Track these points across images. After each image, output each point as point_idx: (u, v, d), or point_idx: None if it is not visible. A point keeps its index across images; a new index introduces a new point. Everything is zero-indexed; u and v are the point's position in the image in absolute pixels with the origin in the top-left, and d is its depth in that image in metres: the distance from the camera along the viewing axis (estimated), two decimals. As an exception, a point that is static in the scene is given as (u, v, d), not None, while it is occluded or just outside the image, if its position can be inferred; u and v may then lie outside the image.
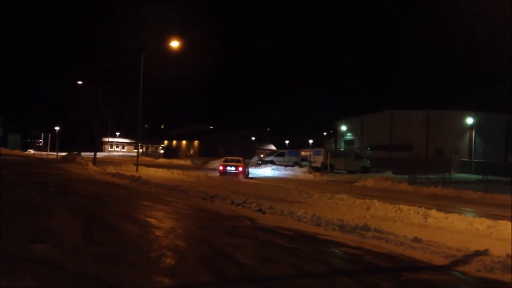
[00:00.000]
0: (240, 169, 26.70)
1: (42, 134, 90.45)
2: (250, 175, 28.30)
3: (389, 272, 6.23)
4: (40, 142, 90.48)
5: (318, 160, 37.99)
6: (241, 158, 28.60)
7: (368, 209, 12.35)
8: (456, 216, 10.82)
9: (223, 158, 31.67)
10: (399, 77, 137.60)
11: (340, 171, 35.62)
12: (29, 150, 73.47)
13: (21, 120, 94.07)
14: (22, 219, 8.51)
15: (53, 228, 7.70)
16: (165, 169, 26.91)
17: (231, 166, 27.36)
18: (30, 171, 22.29)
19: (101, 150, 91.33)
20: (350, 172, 35.71)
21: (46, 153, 57.78)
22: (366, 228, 8.87)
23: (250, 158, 56.20)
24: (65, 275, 5.06)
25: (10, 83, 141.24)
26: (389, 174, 31.23)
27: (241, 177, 25.39)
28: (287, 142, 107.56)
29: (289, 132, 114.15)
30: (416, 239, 7.97)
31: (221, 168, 27.88)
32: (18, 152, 54.36)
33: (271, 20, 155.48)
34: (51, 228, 7.71)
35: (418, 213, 11.37)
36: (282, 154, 47.14)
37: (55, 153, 51.03)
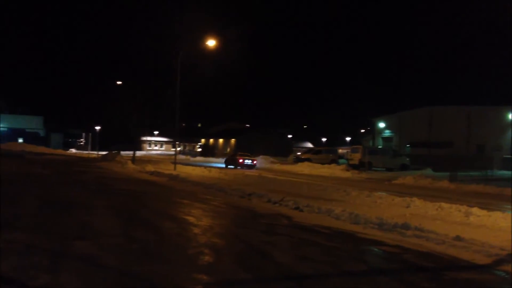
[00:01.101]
0: (255, 162, 37.19)
1: (83, 133, 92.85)
2: (284, 173, 28.78)
3: (430, 271, 6.09)
4: (81, 141, 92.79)
5: (356, 157, 37.64)
6: (249, 154, 38.87)
7: (407, 207, 12.12)
8: (499, 214, 10.50)
9: (237, 153, 39.74)
10: (438, 72, 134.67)
11: (378, 169, 35.17)
12: (70, 149, 75.37)
13: (63, 120, 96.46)
14: (64, 216, 8.71)
15: (94, 226, 7.85)
16: (202, 167, 27.16)
17: (248, 159, 36.81)
18: (71, 170, 22.84)
19: (140, 149, 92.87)
20: (388, 169, 35.21)
21: (87, 152, 59.29)
22: (406, 226, 8.70)
23: (287, 156, 56.15)
24: (104, 271, 5.13)
25: (51, 84, 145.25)
26: (428, 171, 30.65)
27: (255, 166, 35.79)
28: (324, 139, 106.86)
29: (326, 129, 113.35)
30: (458, 238, 7.77)
31: (240, 161, 36.26)
32: (60, 151, 55.85)
33: (306, 17, 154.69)
34: (91, 225, 7.87)
35: (460, 211, 11.09)
36: (319, 152, 46.91)
37: (95, 152, 52.29)
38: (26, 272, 4.86)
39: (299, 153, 59.60)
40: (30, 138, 72.70)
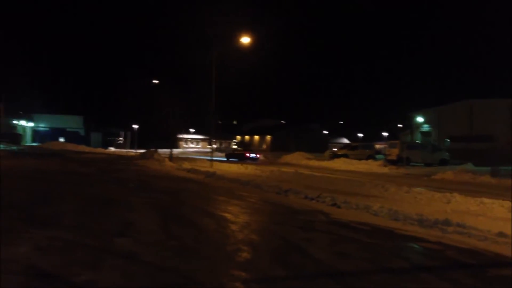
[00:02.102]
0: (258, 155, 44.84)
1: (122, 132, 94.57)
2: (321, 169, 28.68)
3: (472, 268, 5.95)
4: (120, 140, 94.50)
5: (393, 152, 37.15)
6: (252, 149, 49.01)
7: (448, 203, 11.88)
8: (544, 209, 10.17)
9: (242, 148, 48.83)
10: (476, 65, 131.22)
11: (417, 164, 34.58)
12: (110, 147, 76.82)
13: (102, 119, 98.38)
14: (105, 214, 8.87)
15: (134, 223, 7.97)
16: (239, 164, 27.25)
17: (252, 153, 44.91)
18: (111, 168, 23.26)
19: (177, 147, 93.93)
20: (427, 164, 34.57)
21: (125, 150, 60.39)
22: (447, 222, 8.53)
23: (323, 152, 55.82)
24: (145, 268, 5.20)
25: (91, 84, 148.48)
26: (469, 166, 29.92)
27: (257, 159, 42.68)
28: (360, 135, 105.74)
29: (362, 125, 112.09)
30: (501, 234, 7.58)
31: (247, 155, 43.62)
32: (100, 150, 57.00)
33: (341, 9, 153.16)
34: (131, 222, 7.99)
35: (503, 206, 10.80)
36: (355, 147, 46.47)
37: (134, 150, 53.16)
38: (69, 269, 4.97)
39: (335, 149, 59.20)
40: (71, 137, 74.50)
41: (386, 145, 48.57)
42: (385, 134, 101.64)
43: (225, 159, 42.39)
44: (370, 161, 35.42)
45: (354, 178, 20.60)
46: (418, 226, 8.60)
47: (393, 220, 9.18)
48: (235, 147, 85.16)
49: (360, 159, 36.89)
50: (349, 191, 14.12)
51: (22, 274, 4.77)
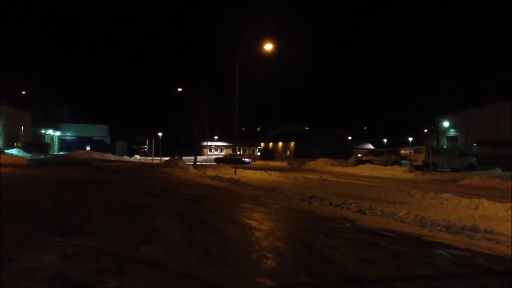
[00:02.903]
0: (250, 160, 53.97)
1: (147, 140, 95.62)
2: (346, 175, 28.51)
3: (501, 275, 5.84)
4: (145, 148, 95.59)
5: (419, 158, 36.66)
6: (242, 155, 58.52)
7: (476, 208, 11.66)
8: None
9: (235, 154, 46.44)
10: (504, 67, 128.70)
11: (443, 169, 34.04)
12: (135, 156, 77.70)
13: (127, 128, 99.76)
14: (130, 221, 8.96)
15: (158, 230, 8.03)
16: (262, 171, 27.23)
17: (246, 158, 54.15)
18: (136, 176, 23.50)
19: (201, 154, 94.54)
20: (454, 170, 34.02)
21: (150, 158, 60.89)
22: (474, 228, 8.38)
23: (347, 158, 55.44)
24: (170, 275, 5.23)
25: (115, 93, 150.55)
26: (497, 171, 29.35)
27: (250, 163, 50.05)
28: (385, 140, 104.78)
29: (387, 130, 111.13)
30: (531, 241, 7.40)
31: (244, 159, 51.64)
32: (125, 158, 57.70)
33: (364, 15, 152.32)
34: (156, 230, 8.05)
35: (533, 212, 10.55)
36: (380, 153, 45.99)
37: (158, 158, 53.59)
38: (95, 277, 5.02)
39: (359, 155, 58.71)
40: (97, 145, 75.67)
41: (411, 151, 48.02)
42: (410, 139, 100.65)
43: (283, 168, 42.24)
44: (395, 167, 34.97)
45: (379, 184, 20.39)
46: (445, 232, 8.47)
47: (419, 227, 9.06)
48: (258, 154, 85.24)
49: (385, 165, 36.47)
50: (375, 198, 13.99)
51: (48, 282, 4.84)
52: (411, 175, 28.90)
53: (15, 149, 47.72)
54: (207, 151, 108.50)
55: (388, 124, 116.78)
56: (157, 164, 41.28)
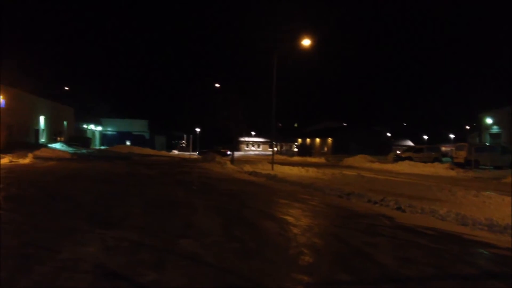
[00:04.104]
0: (230, 152, 48.09)
1: (185, 135, 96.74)
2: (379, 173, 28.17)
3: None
4: (183, 143, 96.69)
5: (461, 155, 35.84)
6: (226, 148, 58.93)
7: (520, 207, 11.31)
8: None
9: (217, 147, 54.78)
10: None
11: (486, 167, 33.14)
12: (173, 150, 78.70)
13: (166, 123, 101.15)
14: (168, 215, 9.09)
15: (196, 224, 8.12)
16: (300, 167, 27.14)
17: (228, 151, 54.09)
18: (175, 171, 23.83)
19: (238, 149, 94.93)
20: (497, 167, 33.05)
21: (188, 153, 61.60)
22: (518, 228, 8.14)
23: (386, 154, 54.67)
24: (207, 269, 5.28)
25: (155, 89, 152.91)
26: (543, 169, 28.34)
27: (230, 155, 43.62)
28: (425, 137, 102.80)
29: (428, 126, 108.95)
30: None
31: (225, 152, 55.69)
32: (163, 152, 58.51)
33: (405, 8, 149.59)
34: (194, 224, 8.15)
35: None
36: (420, 150, 45.14)
37: (196, 153, 54.10)
38: (135, 269, 5.13)
39: (399, 152, 57.79)
40: (137, 140, 76.92)
41: (453, 148, 46.98)
42: (451, 136, 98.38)
43: (321, 165, 42.42)
44: (436, 164, 34.29)
45: (419, 181, 20.04)
46: (488, 231, 8.26)
47: (460, 225, 8.87)
48: (296, 150, 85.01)
49: (425, 162, 35.80)
50: (414, 195, 13.74)
51: (91, 273, 4.96)
52: (453, 173, 28.28)
53: (59, 143, 49.03)
54: (244, 146, 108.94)
55: (429, 120, 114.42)
56: (195, 159, 41.70)
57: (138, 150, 54.60)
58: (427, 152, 43.79)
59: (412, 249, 6.69)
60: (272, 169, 25.69)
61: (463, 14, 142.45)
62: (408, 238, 7.56)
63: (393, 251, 6.49)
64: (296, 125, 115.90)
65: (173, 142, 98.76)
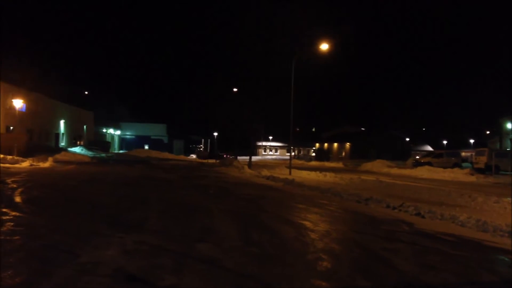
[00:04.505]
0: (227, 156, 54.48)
1: (202, 140, 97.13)
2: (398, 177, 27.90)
3: None
4: (201, 147, 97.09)
5: (481, 160, 35.41)
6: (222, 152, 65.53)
7: (542, 214, 11.12)
8: None
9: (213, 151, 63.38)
10: None
11: (507, 173, 32.68)
12: (191, 155, 79.07)
13: (184, 127, 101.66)
14: (186, 219, 9.12)
15: (214, 228, 8.14)
16: (317, 171, 27.07)
17: (226, 155, 58.61)
18: (192, 175, 23.93)
19: (255, 154, 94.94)
20: (518, 173, 32.59)
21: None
22: (541, 235, 8.00)
23: (404, 160, 54.22)
24: (225, 273, 5.28)
25: (173, 93, 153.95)
26: None
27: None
28: (445, 142, 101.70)
29: (447, 131, 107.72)
30: None
31: (224, 156, 57.40)
32: (182, 157, 58.85)
33: (424, 12, 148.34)
34: (212, 228, 8.16)
35: None
36: (440, 155, 44.70)
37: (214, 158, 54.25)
38: (154, 273, 5.15)
39: (418, 157, 57.23)
40: (155, 144, 77.52)
41: (473, 153, 46.42)
42: (471, 141, 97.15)
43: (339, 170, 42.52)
44: (455, 169, 33.93)
45: (438, 187, 19.83)
46: (508, 238, 8.14)
47: (481, 232, 8.75)
48: (313, 154, 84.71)
49: (445, 167, 35.44)
50: (434, 201, 13.62)
51: (110, 277, 5.00)
52: (473, 178, 27.93)
53: (78, 147, 49.67)
54: (261, 151, 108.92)
55: (448, 125, 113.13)
56: (213, 163, 41.83)
57: (156, 154, 55.01)
58: (446, 157, 43.35)
59: (432, 256, 6.61)
60: (290, 173, 25.66)
61: (484, 16, 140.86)
62: (428, 244, 7.48)
63: (413, 257, 6.42)
64: (313, 129, 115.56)
65: (191, 146, 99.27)
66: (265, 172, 25.90)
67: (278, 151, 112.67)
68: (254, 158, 46.84)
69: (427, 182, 24.47)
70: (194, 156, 76.03)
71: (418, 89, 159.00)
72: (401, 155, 63.93)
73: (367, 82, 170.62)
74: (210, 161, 49.27)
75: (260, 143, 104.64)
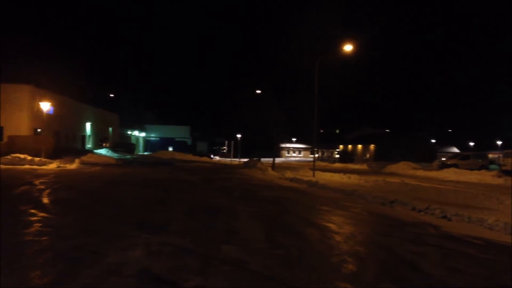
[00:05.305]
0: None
1: (226, 141, 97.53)
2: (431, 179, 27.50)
3: None
4: (224, 149, 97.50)
5: (509, 162, 34.79)
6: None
7: None
8: None
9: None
10: None
11: (535, 175, 32.01)
12: (215, 156, 79.45)
13: (208, 129, 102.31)
14: (211, 221, 9.15)
15: (239, 231, 8.14)
16: (341, 173, 26.89)
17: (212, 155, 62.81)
18: (216, 177, 24.02)
19: (279, 156, 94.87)
20: (547, 175, 31.89)
21: (229, 159, 61.97)
22: None
23: (430, 162, 53.51)
24: (251, 275, 5.29)
25: (197, 96, 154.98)
26: None
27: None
28: (471, 144, 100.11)
29: (474, 133, 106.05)
30: None
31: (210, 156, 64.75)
32: (205, 158, 59.13)
33: (448, 13, 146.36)
34: (236, 230, 8.17)
35: None
36: (466, 157, 43.99)
37: (237, 159, 54.42)
38: (179, 274, 5.18)
39: (444, 159, 56.45)
40: (179, 146, 78.11)
41: (500, 155, 45.60)
42: (499, 142, 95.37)
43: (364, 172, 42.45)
44: (483, 171, 33.32)
45: (465, 189, 19.50)
46: (539, 242, 7.97)
47: (509, 235, 8.58)
48: (337, 156, 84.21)
49: (471, 170, 34.84)
50: (460, 203, 13.40)
51: (135, 277, 5.05)
52: (500, 181, 27.40)
53: (104, 149, 50.29)
54: (285, 153, 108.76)
55: (476, 127, 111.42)
56: (236, 165, 41.92)
57: (180, 156, 55.38)
58: (473, 159, 42.66)
59: (460, 259, 6.51)
60: (313, 175, 25.56)
61: (505, 14, 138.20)
62: (455, 248, 7.36)
63: (440, 261, 6.34)
64: (337, 131, 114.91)
65: (214, 148, 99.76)
66: (289, 174, 25.84)
67: (302, 153, 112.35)
68: (277, 160, 46.84)
69: (454, 184, 24.10)
70: (217, 157, 76.41)
71: (444, 91, 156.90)
72: (426, 156, 63.07)
73: (392, 83, 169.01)
74: (234, 162, 49.37)
75: (283, 145, 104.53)
